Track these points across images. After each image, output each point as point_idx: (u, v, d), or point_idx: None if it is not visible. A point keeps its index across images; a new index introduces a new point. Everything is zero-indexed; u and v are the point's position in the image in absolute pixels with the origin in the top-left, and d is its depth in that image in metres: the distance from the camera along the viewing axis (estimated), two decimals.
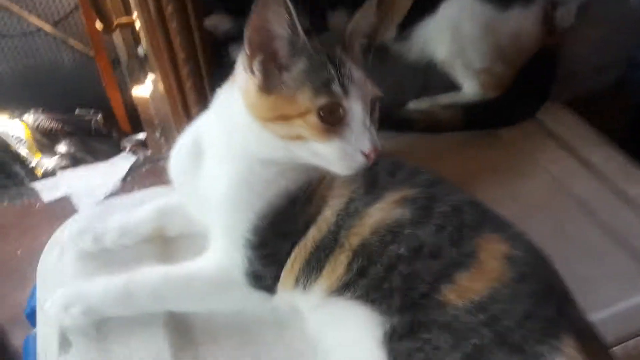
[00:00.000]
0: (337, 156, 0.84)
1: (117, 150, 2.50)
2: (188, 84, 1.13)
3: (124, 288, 0.90)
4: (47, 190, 2.15)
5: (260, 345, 0.92)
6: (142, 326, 0.92)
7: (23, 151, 2.38)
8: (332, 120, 0.82)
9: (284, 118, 0.83)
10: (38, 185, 2.16)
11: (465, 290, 0.78)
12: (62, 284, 0.97)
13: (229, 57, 1.15)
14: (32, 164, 2.36)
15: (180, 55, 1.08)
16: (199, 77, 1.13)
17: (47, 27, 2.49)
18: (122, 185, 2.17)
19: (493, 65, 1.34)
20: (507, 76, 1.36)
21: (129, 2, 1.69)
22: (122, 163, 2.28)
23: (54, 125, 2.55)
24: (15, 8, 2.39)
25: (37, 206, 2.11)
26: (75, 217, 1.11)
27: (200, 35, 1.08)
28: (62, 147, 2.48)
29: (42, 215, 2.05)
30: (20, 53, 2.52)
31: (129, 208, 1.10)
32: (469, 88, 1.38)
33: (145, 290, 0.90)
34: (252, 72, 0.83)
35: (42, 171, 2.34)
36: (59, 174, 2.24)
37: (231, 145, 0.91)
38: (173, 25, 1.04)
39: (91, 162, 2.41)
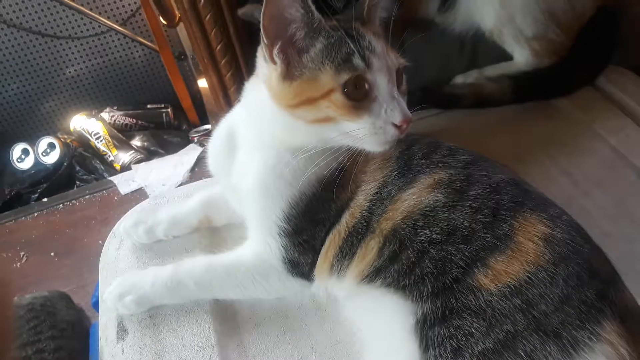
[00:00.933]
0: (368, 132, 0.81)
1: (187, 141, 2.59)
2: (227, 75, 1.15)
3: (171, 278, 0.95)
4: (123, 183, 2.26)
5: (301, 332, 0.94)
6: (189, 314, 0.97)
7: (101, 147, 2.52)
8: (358, 96, 0.80)
9: (310, 101, 0.82)
10: (115, 179, 2.28)
11: (500, 274, 0.76)
12: (119, 274, 1.03)
13: None
14: (110, 159, 2.50)
15: (217, 46, 1.10)
16: (237, 67, 1.14)
17: (117, 27, 2.58)
18: (191, 175, 2.25)
19: (546, 31, 1.25)
20: (562, 42, 1.26)
21: None
22: (190, 154, 2.36)
23: (128, 121, 2.68)
24: (86, 10, 2.50)
25: (115, 198, 2.22)
26: (130, 212, 1.17)
27: (235, 25, 1.09)
28: (136, 142, 2.60)
29: (120, 207, 2.16)
30: (95, 53, 2.64)
31: (178, 200, 1.15)
32: (521, 57, 1.30)
33: (190, 280, 0.94)
34: (273, 61, 0.82)
35: (120, 165, 2.47)
36: (134, 167, 2.35)
37: (260, 136, 0.92)
38: (207, 17, 1.05)
39: (163, 154, 2.51)
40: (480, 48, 1.37)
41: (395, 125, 0.80)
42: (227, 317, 0.97)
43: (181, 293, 0.95)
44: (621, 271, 0.81)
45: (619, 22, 1.28)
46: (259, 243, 0.94)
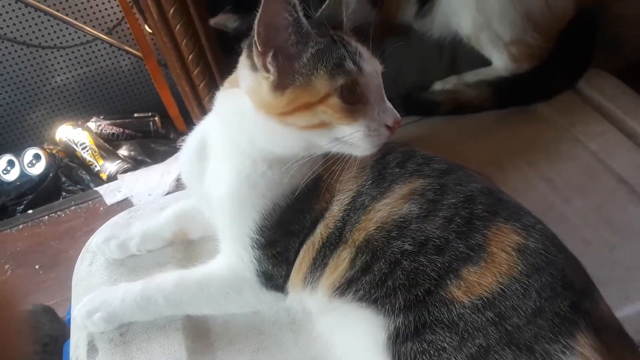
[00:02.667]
0: (362, 135, 0.81)
1: (175, 150, 2.56)
2: (201, 85, 1.13)
3: (141, 294, 0.93)
4: (109, 194, 2.24)
5: (276, 349, 0.92)
6: (161, 331, 0.94)
7: (87, 157, 2.50)
8: (352, 99, 0.80)
9: (306, 107, 0.80)
10: (101, 189, 2.25)
11: (473, 285, 0.74)
12: (91, 291, 1.01)
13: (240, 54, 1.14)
14: (97, 169, 2.47)
15: (189, 56, 1.08)
16: (210, 76, 1.13)
17: (102, 35, 2.57)
18: (178, 184, 2.22)
19: (524, 35, 1.24)
20: (540, 46, 1.25)
21: None
22: (177, 162, 2.33)
23: (115, 130, 2.66)
24: (71, 20, 2.48)
25: (101, 209, 2.20)
26: (103, 226, 1.14)
27: (207, 35, 1.07)
28: (123, 151, 2.58)
29: (106, 218, 2.12)
30: (81, 62, 2.62)
31: (153, 214, 1.13)
32: (499, 62, 1.28)
33: (160, 295, 0.92)
34: (266, 69, 0.80)
35: (106, 175, 2.45)
36: (120, 177, 2.33)
37: (234, 146, 0.89)
38: (177, 27, 1.04)
39: (151, 163, 2.49)
40: (460, 53, 1.36)
41: (387, 127, 0.81)
42: (200, 334, 0.94)
43: (152, 309, 0.93)
44: (601, 279, 0.80)
45: (598, 24, 1.26)
46: (232, 256, 0.92)
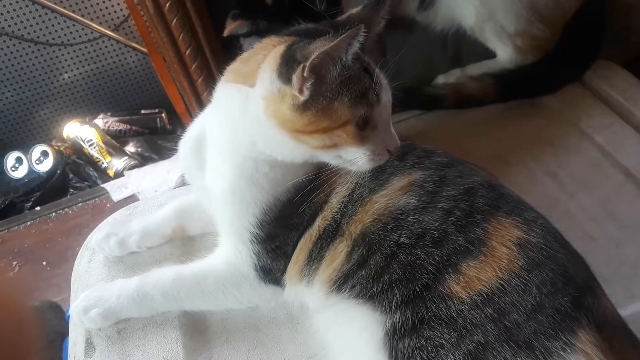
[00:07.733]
0: (367, 158, 0.81)
1: None
2: (199, 80, 1.11)
3: (137, 290, 0.92)
4: (116, 190, 2.24)
5: (273, 346, 0.91)
6: (158, 329, 0.94)
7: (95, 154, 2.50)
8: (365, 126, 0.80)
9: (324, 130, 0.80)
10: (108, 186, 2.26)
11: (472, 280, 0.73)
12: (89, 288, 1.00)
13: (242, 49, 1.12)
14: (104, 166, 2.48)
15: (186, 51, 1.07)
16: (209, 72, 1.11)
17: (109, 32, 2.57)
18: (183, 180, 2.22)
19: (529, 27, 1.21)
20: (546, 37, 1.23)
21: None
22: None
23: (122, 126, 2.66)
24: (78, 17, 2.49)
25: (107, 206, 2.20)
26: (102, 223, 1.14)
27: (204, 29, 1.06)
28: (130, 148, 2.58)
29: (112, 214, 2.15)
30: (88, 59, 2.63)
31: (153, 210, 1.12)
32: (504, 54, 1.26)
33: (157, 291, 0.91)
34: (301, 92, 0.77)
35: (113, 172, 2.45)
36: (127, 174, 2.33)
37: (236, 142, 0.87)
38: (173, 21, 1.02)
39: (158, 160, 2.49)
40: (463, 46, 1.34)
41: (389, 151, 0.81)
42: (197, 332, 0.94)
43: (148, 305, 0.92)
44: (606, 276, 0.79)
45: (606, 15, 1.24)
46: (230, 250, 0.91)
